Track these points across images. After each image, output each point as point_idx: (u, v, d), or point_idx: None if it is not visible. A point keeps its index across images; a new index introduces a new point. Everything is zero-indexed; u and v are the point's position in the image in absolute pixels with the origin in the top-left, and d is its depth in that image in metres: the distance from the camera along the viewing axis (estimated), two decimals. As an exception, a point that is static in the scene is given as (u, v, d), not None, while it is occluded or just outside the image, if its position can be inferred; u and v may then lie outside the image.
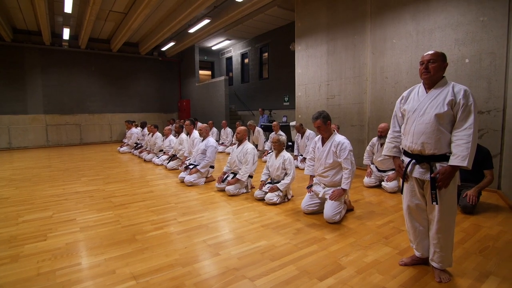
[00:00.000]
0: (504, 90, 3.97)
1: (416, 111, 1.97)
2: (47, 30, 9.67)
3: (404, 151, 2.10)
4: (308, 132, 6.34)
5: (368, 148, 4.75)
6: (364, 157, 4.81)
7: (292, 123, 8.29)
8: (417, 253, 2.18)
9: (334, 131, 3.34)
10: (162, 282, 2.04)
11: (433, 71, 1.92)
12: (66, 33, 9.95)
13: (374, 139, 4.65)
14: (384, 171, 4.49)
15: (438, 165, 1.91)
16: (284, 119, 9.71)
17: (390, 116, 5.38)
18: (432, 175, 1.90)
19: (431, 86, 1.97)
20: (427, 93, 1.98)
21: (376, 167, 4.60)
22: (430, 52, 1.96)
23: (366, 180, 4.60)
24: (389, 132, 2.24)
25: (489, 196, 3.89)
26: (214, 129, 9.69)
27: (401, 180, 2.15)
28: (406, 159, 2.08)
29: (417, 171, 1.99)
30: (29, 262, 2.36)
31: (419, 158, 1.98)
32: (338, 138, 3.24)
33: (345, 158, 3.14)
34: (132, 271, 2.18)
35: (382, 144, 4.42)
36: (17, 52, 10.80)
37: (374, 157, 4.63)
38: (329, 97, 6.51)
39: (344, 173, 3.16)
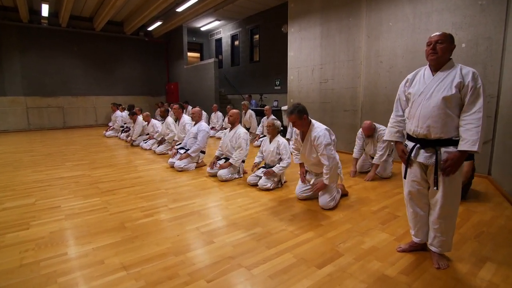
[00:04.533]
0: (499, 76, 3.95)
1: (422, 94, 1.89)
2: (24, 6, 9.05)
3: (408, 135, 2.03)
4: None
5: (357, 141, 4.29)
6: (354, 150, 4.33)
7: (284, 108, 8.16)
8: (416, 239, 2.15)
9: (311, 122, 3.06)
10: (154, 272, 1.95)
11: (441, 52, 1.85)
12: (45, 10, 9.33)
13: (360, 133, 4.26)
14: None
15: (443, 149, 1.85)
16: (275, 103, 9.55)
17: (384, 101, 5.34)
18: (442, 161, 1.84)
19: (438, 68, 1.89)
20: (433, 75, 1.90)
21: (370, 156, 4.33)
22: (437, 33, 1.88)
23: (357, 166, 4.37)
24: (391, 116, 2.15)
25: (480, 182, 3.92)
26: (204, 113, 9.41)
27: (403, 166, 2.09)
28: (410, 144, 2.01)
29: (422, 156, 1.93)
30: (10, 253, 2.22)
31: (424, 142, 1.91)
32: (315, 131, 3.00)
33: (321, 154, 2.96)
34: (122, 261, 2.07)
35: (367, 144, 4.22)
36: (-8, 29, 10.13)
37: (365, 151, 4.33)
38: (322, 81, 6.39)
39: (324, 168, 3.01)
